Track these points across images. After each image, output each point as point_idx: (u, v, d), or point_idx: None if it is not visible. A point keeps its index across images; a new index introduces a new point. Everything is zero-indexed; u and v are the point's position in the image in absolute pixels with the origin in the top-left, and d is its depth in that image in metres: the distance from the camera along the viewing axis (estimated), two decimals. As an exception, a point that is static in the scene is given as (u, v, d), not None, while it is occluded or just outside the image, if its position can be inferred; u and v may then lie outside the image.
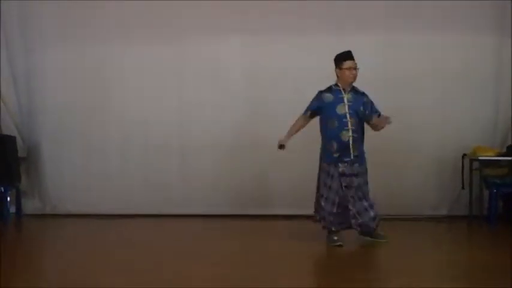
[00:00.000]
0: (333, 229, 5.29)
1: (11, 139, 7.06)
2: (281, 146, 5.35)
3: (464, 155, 6.59)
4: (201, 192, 7.02)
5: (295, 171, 6.76)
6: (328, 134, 5.25)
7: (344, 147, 5.18)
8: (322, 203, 5.26)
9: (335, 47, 5.40)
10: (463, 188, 6.61)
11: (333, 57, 5.31)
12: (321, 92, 5.33)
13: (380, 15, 6.75)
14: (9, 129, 7.19)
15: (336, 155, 5.20)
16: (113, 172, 7.15)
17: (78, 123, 7.19)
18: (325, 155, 5.29)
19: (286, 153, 6.27)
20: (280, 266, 4.60)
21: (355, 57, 5.25)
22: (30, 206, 7.30)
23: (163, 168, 7.11)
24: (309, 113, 5.37)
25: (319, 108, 5.32)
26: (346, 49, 5.28)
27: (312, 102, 5.36)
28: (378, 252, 5.15)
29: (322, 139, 5.33)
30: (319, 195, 5.35)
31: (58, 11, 7.10)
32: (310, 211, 5.54)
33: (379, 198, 6.45)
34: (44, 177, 7.30)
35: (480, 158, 6.35)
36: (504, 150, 6.58)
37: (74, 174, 7.23)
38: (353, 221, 5.22)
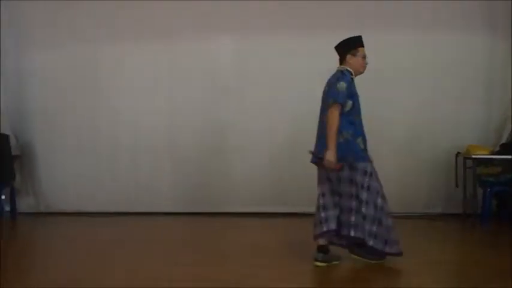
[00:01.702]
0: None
1: (5, 137, 7.05)
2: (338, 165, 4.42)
3: (458, 154, 6.60)
4: (189, 192, 7.07)
5: (288, 170, 6.85)
6: (355, 130, 4.47)
7: (366, 145, 4.59)
8: (370, 215, 4.41)
9: (327, 45, 5.23)
10: (456, 186, 6.62)
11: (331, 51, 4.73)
12: (349, 81, 4.51)
13: (372, 14, 6.73)
14: (3, 127, 7.16)
15: (366, 152, 4.52)
16: (104, 170, 7.19)
17: (70, 122, 7.21)
18: (357, 154, 4.44)
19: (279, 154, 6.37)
20: (277, 264, 4.61)
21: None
22: (24, 204, 7.32)
23: (154, 167, 7.14)
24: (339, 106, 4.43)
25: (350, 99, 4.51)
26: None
27: (342, 93, 4.41)
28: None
29: (345, 136, 4.43)
30: (356, 205, 4.42)
31: (49, 11, 7.10)
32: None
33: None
34: (38, 175, 7.33)
35: (474, 156, 6.35)
36: (497, 148, 6.59)
37: (66, 172, 7.25)
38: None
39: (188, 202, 7.06)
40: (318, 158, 4.48)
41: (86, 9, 7.00)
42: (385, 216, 4.48)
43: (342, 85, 4.40)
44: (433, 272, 4.35)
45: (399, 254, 4.50)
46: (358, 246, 4.57)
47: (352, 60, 4.57)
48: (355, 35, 4.62)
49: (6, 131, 7.15)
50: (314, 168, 4.65)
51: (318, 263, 4.52)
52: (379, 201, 4.47)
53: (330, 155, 4.34)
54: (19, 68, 7.24)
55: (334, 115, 4.37)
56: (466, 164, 6.58)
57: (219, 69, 7.04)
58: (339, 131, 4.39)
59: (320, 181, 4.63)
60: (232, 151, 7.01)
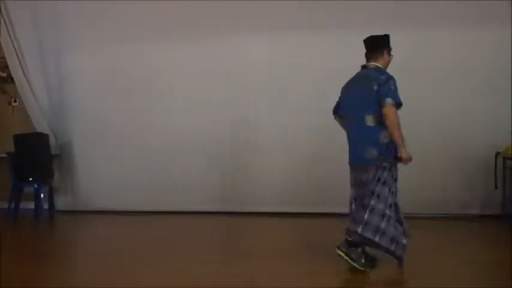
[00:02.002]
0: None
1: (44, 137, 7.22)
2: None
3: (497, 154, 6.45)
4: (219, 191, 7.11)
5: (317, 170, 6.80)
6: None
7: None
8: (391, 217, 4.31)
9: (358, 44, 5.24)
10: (496, 187, 6.47)
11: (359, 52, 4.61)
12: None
13: (409, 12, 6.64)
14: (42, 127, 7.35)
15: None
16: (139, 170, 7.27)
17: (108, 122, 7.33)
18: (391, 152, 4.33)
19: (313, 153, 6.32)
20: (295, 264, 4.61)
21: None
22: (62, 202, 7.46)
23: (185, 167, 7.19)
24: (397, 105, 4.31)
25: None
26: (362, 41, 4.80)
27: (396, 91, 4.30)
28: (408, 252, 5.03)
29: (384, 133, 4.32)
30: (383, 207, 4.30)
31: (90, 12, 7.23)
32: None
33: (412, 197, 6.42)
34: (76, 174, 7.48)
35: (514, 156, 6.22)
36: (538, 148, 6.42)
37: (104, 171, 7.38)
38: None
39: (218, 201, 7.09)
40: (394, 157, 4.33)
41: (126, 11, 7.12)
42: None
43: (395, 84, 4.28)
44: (468, 273, 4.29)
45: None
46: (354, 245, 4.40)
47: (386, 56, 4.48)
48: (385, 33, 4.53)
49: (46, 130, 7.32)
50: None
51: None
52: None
53: (404, 155, 4.24)
54: (59, 69, 7.42)
55: (393, 113, 4.22)
56: (505, 164, 6.41)
57: (248, 69, 7.04)
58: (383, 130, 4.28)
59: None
60: (261, 151, 7.03)
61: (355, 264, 4.35)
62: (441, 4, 6.58)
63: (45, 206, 7.20)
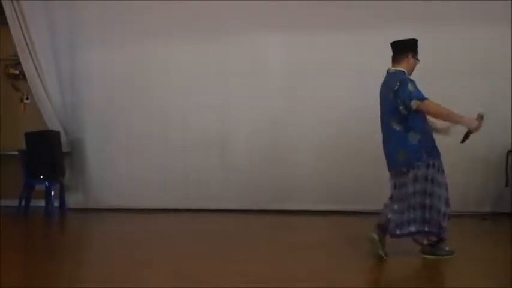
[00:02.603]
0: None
1: (55, 134, 7.22)
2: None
3: (509, 152, 6.49)
4: (238, 189, 7.08)
5: (330, 166, 6.84)
6: (427, 127, 4.61)
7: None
8: (443, 209, 4.49)
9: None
10: (507, 185, 6.51)
11: (384, 51, 4.76)
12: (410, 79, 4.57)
13: (409, 12, 6.64)
14: (54, 125, 7.35)
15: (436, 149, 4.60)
16: (153, 167, 7.26)
17: (121, 119, 7.34)
18: (432, 150, 4.57)
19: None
20: (305, 264, 4.60)
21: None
22: (73, 200, 7.46)
23: (203, 164, 7.18)
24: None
25: None
26: (385, 44, 4.89)
27: (417, 91, 4.46)
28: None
29: (420, 133, 4.51)
30: (438, 203, 4.48)
31: (102, 11, 7.26)
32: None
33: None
34: (87, 172, 7.47)
35: (525, 154, 6.26)
36: (550, 146, 6.47)
37: (115, 169, 7.38)
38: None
39: (237, 199, 7.05)
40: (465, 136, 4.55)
41: (137, 10, 7.13)
42: None
43: (413, 84, 4.44)
44: (481, 271, 4.30)
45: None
46: (430, 245, 4.60)
47: (411, 60, 4.61)
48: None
49: (57, 128, 7.32)
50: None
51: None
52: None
53: (468, 121, 4.47)
54: (72, 67, 7.42)
55: (431, 105, 4.41)
56: (517, 163, 6.46)
57: (268, 66, 7.05)
58: (413, 130, 4.46)
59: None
60: (282, 148, 7.02)
61: (445, 258, 4.55)
62: (441, 4, 6.61)
63: (56, 203, 7.18)
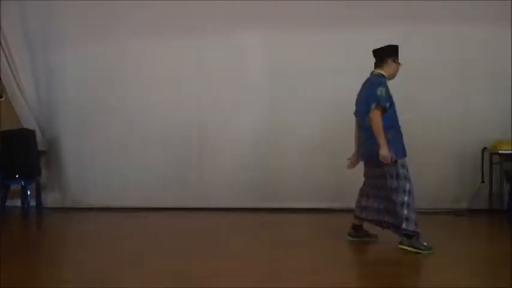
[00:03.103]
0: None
1: (31, 133, 7.11)
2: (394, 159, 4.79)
3: (484, 149, 6.58)
4: (217, 187, 7.07)
5: (314, 165, 6.86)
6: (397, 126, 4.88)
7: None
8: (410, 202, 4.76)
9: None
10: (482, 181, 6.61)
11: (368, 52, 5.04)
12: (387, 85, 4.89)
13: (398, 5, 6.68)
14: (29, 123, 7.25)
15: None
16: (131, 166, 7.21)
17: (98, 117, 7.25)
18: (400, 149, 4.84)
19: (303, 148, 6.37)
20: (301, 261, 4.63)
21: (371, 50, 5.07)
22: (50, 199, 7.38)
23: (182, 163, 7.14)
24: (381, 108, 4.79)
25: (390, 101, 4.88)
26: (368, 43, 5.13)
27: (383, 96, 4.78)
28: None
29: (391, 132, 4.80)
30: (401, 197, 4.77)
31: (78, 10, 7.15)
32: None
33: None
34: (64, 171, 7.39)
35: (500, 151, 6.34)
36: (525, 144, 6.55)
37: (92, 167, 7.31)
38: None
39: (219, 198, 7.04)
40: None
41: (114, 8, 7.05)
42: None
43: (382, 90, 4.78)
44: (460, 267, 4.34)
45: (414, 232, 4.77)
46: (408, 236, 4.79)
47: (392, 65, 4.97)
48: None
49: (33, 126, 7.22)
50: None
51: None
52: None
53: (383, 152, 4.69)
54: (46, 65, 7.32)
55: (377, 116, 4.73)
56: (492, 160, 6.54)
57: (247, 63, 7.03)
58: (384, 129, 4.74)
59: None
60: (266, 147, 7.03)
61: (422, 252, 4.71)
62: (441, 4, 6.66)
63: (33, 203, 7.09)
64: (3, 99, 7.46)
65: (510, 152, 6.30)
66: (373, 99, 4.78)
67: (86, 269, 4.46)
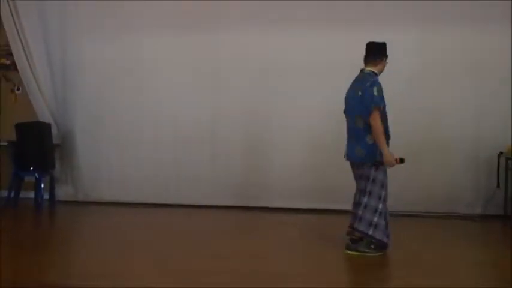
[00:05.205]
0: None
1: (46, 126, 7.16)
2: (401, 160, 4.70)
3: (500, 154, 6.49)
4: (228, 185, 7.07)
5: (326, 167, 6.77)
6: (387, 129, 4.75)
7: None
8: (382, 210, 4.68)
9: (361, 41, 5.08)
10: (498, 186, 6.51)
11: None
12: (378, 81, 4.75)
13: (412, 10, 6.62)
14: (45, 116, 7.30)
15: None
16: (144, 162, 7.22)
17: (112, 113, 7.28)
18: (377, 152, 4.67)
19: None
20: (302, 262, 4.63)
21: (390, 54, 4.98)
22: (63, 192, 7.43)
23: (194, 160, 7.14)
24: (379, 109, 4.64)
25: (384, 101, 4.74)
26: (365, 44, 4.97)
27: (380, 96, 4.67)
28: (408, 250, 5.02)
29: (371, 136, 4.68)
30: (374, 202, 4.68)
31: (96, 5, 7.18)
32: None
33: (414, 195, 6.48)
34: (78, 165, 7.43)
35: (517, 156, 6.26)
36: (542, 149, 6.45)
37: (106, 162, 7.33)
38: None
39: (227, 196, 7.04)
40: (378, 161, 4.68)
41: (131, 5, 7.07)
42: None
43: (378, 90, 4.63)
44: (470, 272, 4.32)
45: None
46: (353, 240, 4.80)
47: (384, 63, 4.82)
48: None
49: (48, 119, 7.27)
50: (345, 168, 4.91)
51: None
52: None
53: (387, 157, 4.58)
54: (64, 58, 7.36)
55: (377, 119, 4.58)
56: (508, 165, 6.45)
57: (259, 63, 6.99)
58: (369, 133, 4.64)
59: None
60: (266, 147, 7.02)
61: (368, 254, 4.69)
62: (441, 4, 6.58)
63: (46, 196, 7.14)
64: (20, 91, 7.52)
65: (526, 157, 6.22)
66: (371, 100, 4.59)
67: (96, 262, 4.50)
